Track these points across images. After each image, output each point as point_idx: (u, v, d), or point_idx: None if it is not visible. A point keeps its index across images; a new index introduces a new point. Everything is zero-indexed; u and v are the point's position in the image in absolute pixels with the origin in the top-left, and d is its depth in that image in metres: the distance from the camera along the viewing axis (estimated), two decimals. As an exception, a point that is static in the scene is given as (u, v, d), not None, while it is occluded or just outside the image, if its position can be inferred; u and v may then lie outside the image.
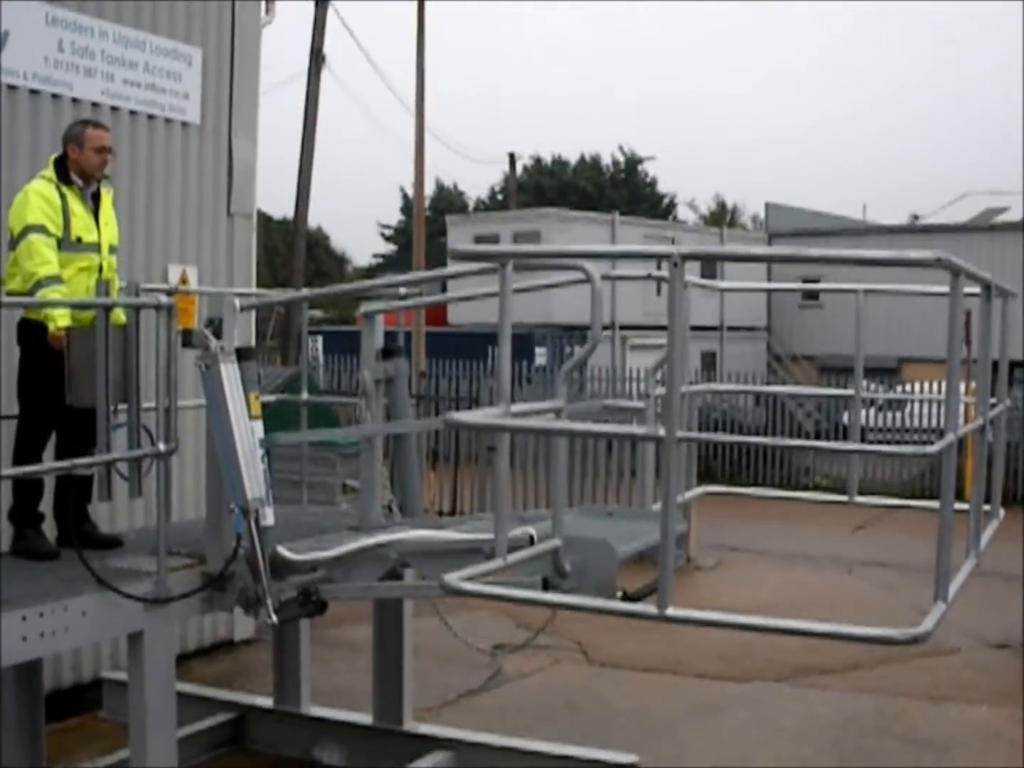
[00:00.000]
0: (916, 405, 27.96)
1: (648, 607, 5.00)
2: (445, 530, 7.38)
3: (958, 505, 5.30)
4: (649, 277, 8.69)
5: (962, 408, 7.30)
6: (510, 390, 5.40)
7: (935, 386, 27.53)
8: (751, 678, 11.41)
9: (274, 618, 7.15)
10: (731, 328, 42.28)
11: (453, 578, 5.11)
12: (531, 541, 6.19)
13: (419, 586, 7.12)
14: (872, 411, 29.24)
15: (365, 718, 9.44)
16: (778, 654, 11.78)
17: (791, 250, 4.41)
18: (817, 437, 28.30)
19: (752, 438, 8.52)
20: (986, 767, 9.44)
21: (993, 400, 6.84)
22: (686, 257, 4.89)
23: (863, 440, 28.10)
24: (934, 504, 5.80)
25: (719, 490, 8.50)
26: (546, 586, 6.18)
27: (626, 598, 6.20)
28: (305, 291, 10.39)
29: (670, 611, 4.91)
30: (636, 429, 5.36)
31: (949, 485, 5.16)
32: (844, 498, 7.77)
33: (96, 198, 7.96)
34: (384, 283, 9.05)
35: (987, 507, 6.85)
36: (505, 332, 5.43)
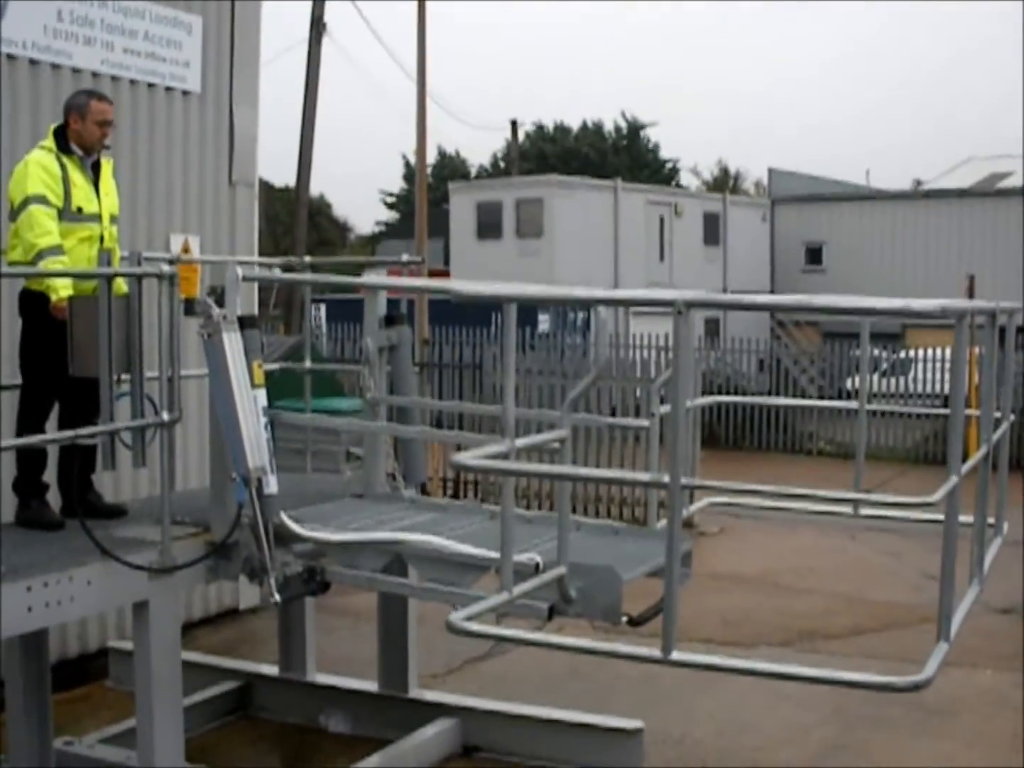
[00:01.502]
0: (921, 369, 27.92)
1: (653, 651, 5.00)
2: (451, 519, 7.38)
3: (963, 518, 5.29)
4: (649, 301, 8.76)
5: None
6: (514, 424, 5.38)
7: (939, 351, 27.51)
8: (756, 644, 11.42)
9: (277, 596, 7.17)
10: (734, 293, 42.24)
11: (458, 618, 5.11)
12: (536, 569, 6.23)
13: (427, 589, 7.11)
14: (876, 376, 29.21)
15: (370, 685, 9.46)
16: (783, 619, 11.80)
17: (797, 299, 4.38)
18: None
19: (755, 399, 8.47)
20: (991, 731, 9.47)
21: (997, 413, 6.80)
22: (691, 305, 4.86)
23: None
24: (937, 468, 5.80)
25: (725, 501, 8.48)
26: (551, 613, 6.24)
27: (631, 622, 6.24)
28: (308, 273, 10.35)
29: (675, 655, 4.93)
30: (640, 475, 5.35)
31: (952, 530, 5.14)
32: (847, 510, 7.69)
33: (96, 168, 7.93)
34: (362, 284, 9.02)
35: (991, 519, 6.83)
36: (509, 367, 5.41)
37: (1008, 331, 6.90)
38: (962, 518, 5.26)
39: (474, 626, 5.16)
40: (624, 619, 6.23)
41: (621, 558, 6.42)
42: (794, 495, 5.03)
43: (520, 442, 5.46)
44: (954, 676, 10.57)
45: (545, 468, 6.13)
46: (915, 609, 11.97)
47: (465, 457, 5.07)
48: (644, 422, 5.29)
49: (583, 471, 5.95)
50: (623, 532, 7.48)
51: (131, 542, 7.27)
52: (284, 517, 7.19)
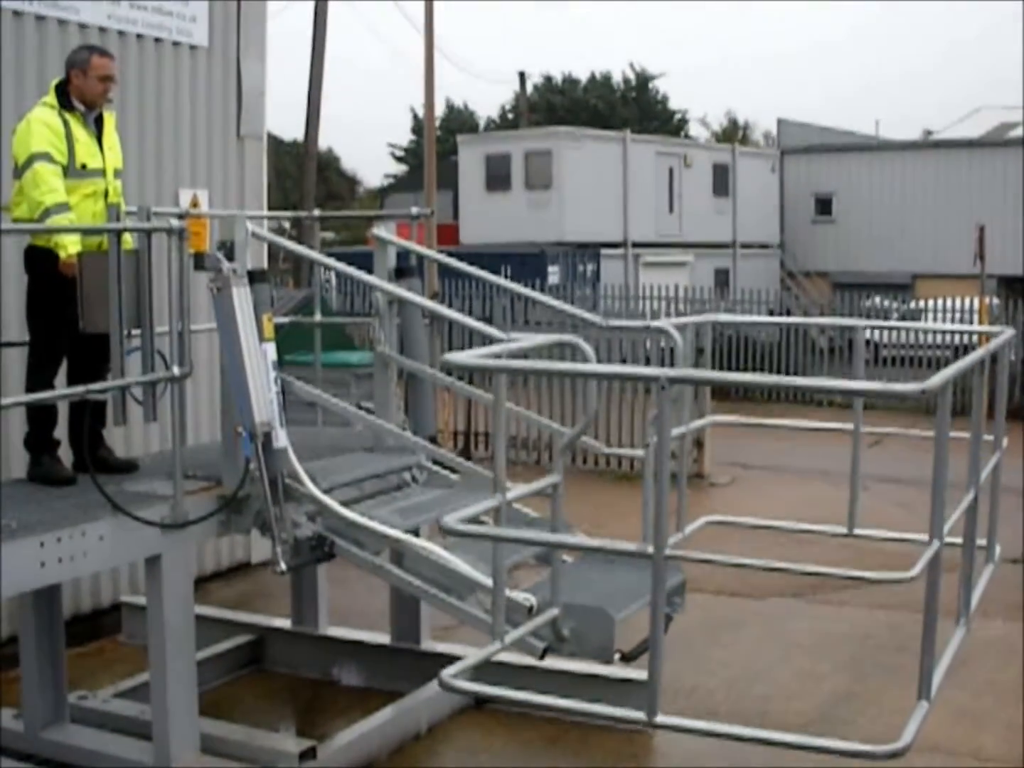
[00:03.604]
0: (931, 320, 27.89)
1: (638, 712, 5.03)
2: (458, 499, 7.38)
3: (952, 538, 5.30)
4: (647, 328, 8.89)
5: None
6: (505, 477, 5.40)
7: (948, 301, 27.50)
8: (767, 595, 11.44)
9: (283, 566, 7.20)
10: (744, 245, 42.17)
11: (448, 674, 5.15)
12: (530, 611, 6.30)
13: (428, 593, 7.13)
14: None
15: (383, 638, 9.50)
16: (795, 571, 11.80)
17: (777, 379, 4.38)
18: (831, 353, 28.27)
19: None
20: (1000, 681, 9.49)
21: (988, 437, 6.77)
22: (673, 380, 4.84)
23: (876, 357, 28.13)
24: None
25: (723, 520, 8.52)
26: (545, 653, 6.34)
27: (624, 658, 6.29)
28: (317, 226, 10.35)
29: (659, 718, 4.97)
30: (625, 545, 5.37)
31: (934, 596, 5.16)
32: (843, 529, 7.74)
33: (99, 122, 7.90)
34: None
35: (982, 542, 6.82)
36: (500, 429, 5.41)
37: (1001, 359, 6.88)
38: (952, 539, 5.30)
39: (462, 684, 5.22)
40: (617, 656, 6.30)
41: (614, 593, 6.46)
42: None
43: (512, 494, 5.51)
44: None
45: (536, 536, 6.22)
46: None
47: (451, 520, 5.12)
48: (639, 452, 5.27)
49: (570, 539, 5.96)
50: (619, 562, 7.55)
51: (143, 497, 7.29)
52: (302, 474, 7.20)
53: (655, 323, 8.24)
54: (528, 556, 7.33)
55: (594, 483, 16.74)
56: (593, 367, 5.77)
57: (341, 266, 8.20)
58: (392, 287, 8.32)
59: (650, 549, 4.83)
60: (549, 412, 17.85)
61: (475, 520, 5.29)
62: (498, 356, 5.48)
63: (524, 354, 5.79)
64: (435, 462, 8.57)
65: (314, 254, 8.00)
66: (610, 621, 6.18)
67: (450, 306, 23.84)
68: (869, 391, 4.81)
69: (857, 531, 7.63)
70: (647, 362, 18.34)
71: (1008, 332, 6.96)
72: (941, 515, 5.18)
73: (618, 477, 17.49)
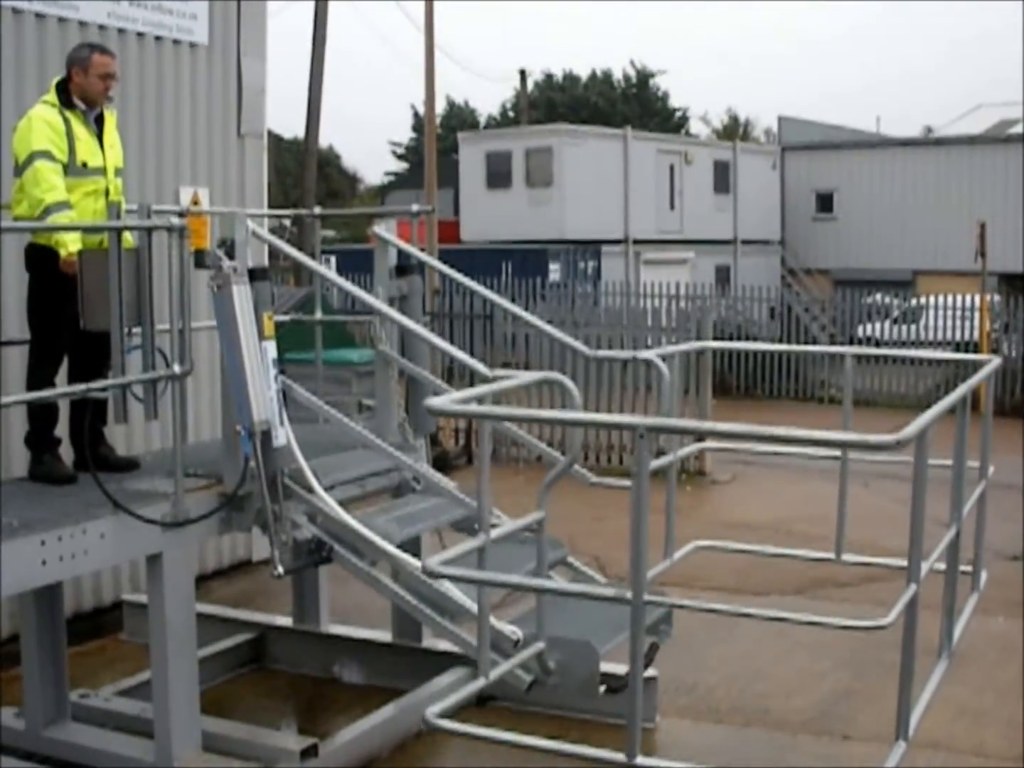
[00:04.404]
0: (931, 317, 27.89)
1: (617, 754, 4.99)
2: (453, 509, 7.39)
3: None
4: (633, 359, 8.90)
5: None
6: (489, 517, 5.46)
7: (950, 298, 27.50)
8: (768, 591, 11.43)
9: (280, 570, 7.22)
10: (745, 242, 42.16)
11: (432, 714, 5.17)
12: (516, 644, 6.43)
13: (428, 613, 7.14)
14: (887, 323, 29.16)
15: (384, 635, 9.50)
16: (795, 567, 11.79)
17: (756, 428, 4.42)
18: (832, 351, 28.23)
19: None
20: (1001, 678, 9.49)
21: (974, 464, 6.78)
22: (651, 429, 4.84)
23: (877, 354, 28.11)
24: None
25: (711, 545, 8.55)
26: (531, 687, 6.41)
27: (609, 691, 6.31)
28: (318, 224, 10.36)
29: (639, 760, 4.93)
30: (605, 590, 5.41)
31: (912, 638, 5.24)
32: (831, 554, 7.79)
33: (99, 121, 7.89)
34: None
35: (966, 568, 6.84)
36: (484, 473, 5.45)
37: (986, 389, 6.89)
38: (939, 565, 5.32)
39: (447, 724, 5.21)
40: (603, 688, 6.33)
41: (600, 626, 6.47)
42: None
43: (496, 533, 5.54)
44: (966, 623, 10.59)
45: (514, 579, 6.27)
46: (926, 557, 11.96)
47: (433, 562, 5.16)
48: (626, 482, 5.30)
49: (550, 584, 5.99)
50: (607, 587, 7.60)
51: (144, 495, 7.29)
52: (308, 473, 7.20)
53: (641, 354, 8.24)
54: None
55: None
56: (574, 415, 5.79)
57: (332, 276, 8.16)
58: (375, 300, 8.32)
59: (629, 594, 4.87)
60: (551, 403, 17.83)
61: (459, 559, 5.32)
62: (481, 400, 5.54)
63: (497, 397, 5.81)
64: (436, 465, 8.59)
65: (307, 260, 7.97)
66: (595, 654, 6.23)
67: (451, 303, 23.87)
68: (843, 442, 4.83)
69: (845, 557, 7.74)
70: (647, 367, 18.29)
71: (995, 361, 6.99)
72: (919, 557, 5.21)
73: (619, 475, 17.47)
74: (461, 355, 7.55)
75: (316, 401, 7.85)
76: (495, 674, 5.63)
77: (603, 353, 11.62)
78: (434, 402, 5.24)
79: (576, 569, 8.23)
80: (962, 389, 5.92)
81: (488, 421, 5.61)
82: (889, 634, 6.49)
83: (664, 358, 7.82)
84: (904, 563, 5.84)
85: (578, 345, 9.11)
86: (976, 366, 6.70)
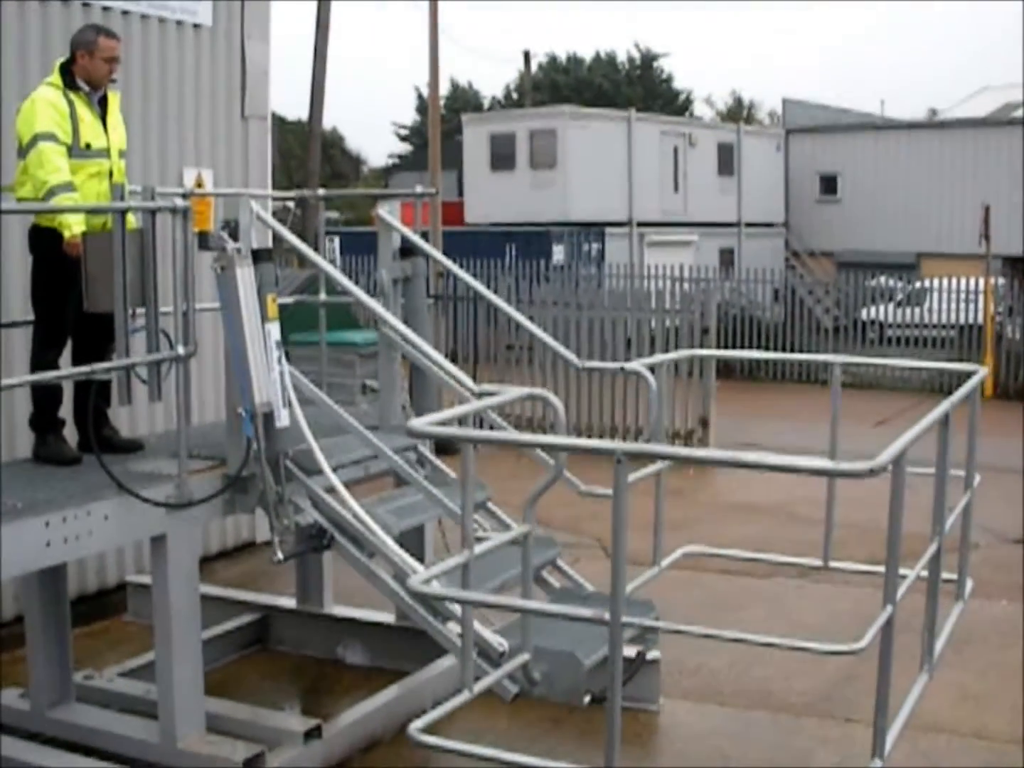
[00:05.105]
0: (935, 300, 27.86)
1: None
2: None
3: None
4: (622, 370, 9.00)
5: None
6: (472, 536, 5.48)
7: (954, 281, 27.49)
8: (771, 574, 11.44)
9: (279, 555, 7.23)
10: (749, 224, 42.09)
11: (415, 729, 5.20)
12: (502, 656, 6.48)
13: (422, 615, 7.14)
14: (891, 306, 29.14)
15: (388, 617, 9.50)
16: (799, 549, 11.77)
17: (732, 454, 4.38)
18: (835, 333, 28.24)
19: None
20: (1003, 662, 9.49)
21: (958, 472, 6.78)
22: (629, 454, 4.85)
23: (881, 336, 28.11)
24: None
25: (700, 551, 8.61)
26: (517, 696, 6.42)
27: (594, 701, 6.36)
28: (322, 206, 10.33)
29: None
30: (583, 611, 5.43)
31: (888, 661, 5.25)
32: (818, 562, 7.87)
33: (103, 103, 7.89)
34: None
35: (949, 576, 6.91)
36: (468, 497, 5.47)
37: (972, 399, 6.88)
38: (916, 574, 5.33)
39: (430, 739, 5.24)
40: (587, 699, 6.37)
41: (585, 637, 6.49)
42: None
43: (480, 548, 5.56)
44: (969, 606, 10.59)
45: (499, 600, 6.32)
46: (928, 540, 11.96)
47: (416, 581, 5.21)
48: (609, 491, 5.32)
49: (541, 605, 6.01)
50: (593, 598, 7.60)
51: (148, 476, 7.30)
52: (319, 455, 7.19)
53: (629, 365, 8.26)
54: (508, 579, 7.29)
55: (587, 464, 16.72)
56: (552, 439, 5.81)
57: (327, 266, 8.10)
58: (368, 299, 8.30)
59: (607, 615, 4.90)
60: (553, 386, 17.83)
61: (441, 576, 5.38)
62: (464, 420, 5.56)
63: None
64: (438, 448, 8.59)
65: (298, 242, 7.93)
66: (580, 665, 6.28)
67: (455, 285, 23.86)
68: (818, 469, 4.83)
69: (832, 564, 7.89)
70: (652, 343, 18.30)
71: (981, 372, 6.99)
72: (895, 578, 5.24)
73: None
74: (448, 366, 7.54)
75: (304, 380, 7.81)
76: (480, 687, 5.68)
77: (591, 364, 11.64)
78: (415, 423, 5.33)
79: (565, 573, 8.27)
80: (944, 406, 5.92)
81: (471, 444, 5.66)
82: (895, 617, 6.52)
83: (652, 368, 7.84)
84: (902, 570, 5.88)
85: (568, 355, 9.09)
86: (962, 378, 6.71)
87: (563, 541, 10.63)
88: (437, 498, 7.43)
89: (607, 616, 4.91)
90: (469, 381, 7.22)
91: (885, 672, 5.24)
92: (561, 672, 6.27)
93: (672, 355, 8.70)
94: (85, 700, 8.11)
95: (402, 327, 7.73)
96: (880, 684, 5.25)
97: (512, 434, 5.54)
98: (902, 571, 5.42)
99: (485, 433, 5.66)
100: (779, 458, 4.78)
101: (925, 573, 6.18)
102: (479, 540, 6.12)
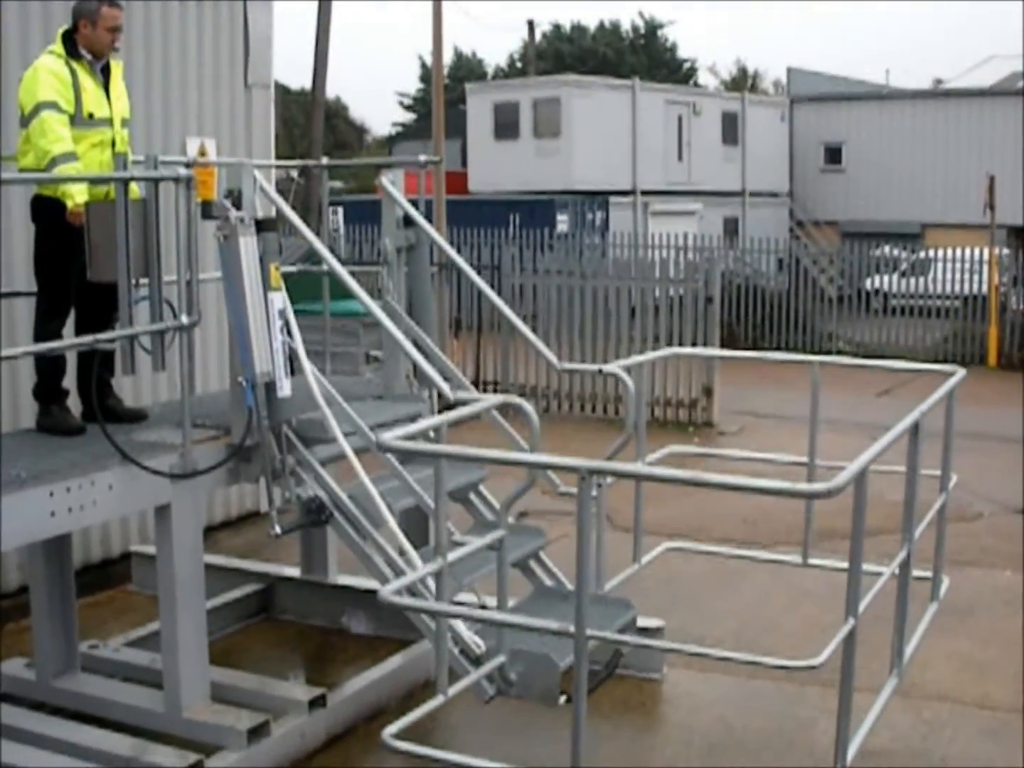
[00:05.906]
0: (939, 270, 27.82)
1: None
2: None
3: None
4: (600, 372, 9.03)
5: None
6: (447, 545, 5.62)
7: (958, 251, 27.45)
8: (774, 543, 11.45)
9: (277, 530, 7.24)
10: (753, 194, 42.04)
11: (389, 734, 5.30)
12: (477, 661, 6.55)
13: (414, 606, 7.16)
14: (896, 276, 29.10)
15: (392, 586, 9.52)
16: (801, 519, 11.83)
17: (706, 476, 4.42)
18: (839, 302, 28.21)
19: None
20: (1007, 631, 9.51)
21: (933, 471, 6.80)
22: (593, 472, 4.88)
23: (885, 306, 28.08)
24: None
25: (680, 547, 8.67)
26: (494, 697, 6.50)
27: (569, 700, 6.37)
28: (326, 175, 10.33)
29: None
30: (551, 624, 5.46)
31: (850, 674, 5.42)
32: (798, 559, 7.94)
33: (106, 72, 7.86)
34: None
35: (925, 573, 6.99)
36: (441, 508, 5.57)
37: (949, 402, 6.89)
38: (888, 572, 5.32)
39: (403, 745, 5.34)
40: (563, 699, 6.41)
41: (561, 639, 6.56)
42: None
43: (454, 554, 5.58)
44: (972, 576, 10.63)
45: (469, 612, 6.37)
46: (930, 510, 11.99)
47: (386, 592, 5.34)
48: (592, 492, 5.37)
49: (507, 617, 6.05)
50: (571, 598, 7.59)
51: (152, 446, 7.29)
52: (334, 425, 7.16)
53: (607, 367, 8.25)
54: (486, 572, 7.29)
55: (577, 428, 16.76)
56: (517, 456, 5.91)
57: (315, 240, 8.05)
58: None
59: (572, 628, 4.93)
60: (557, 354, 17.81)
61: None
62: (436, 431, 5.62)
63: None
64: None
65: (293, 215, 7.89)
66: (555, 668, 6.29)
67: (459, 253, 23.84)
68: (778, 490, 4.83)
69: (811, 561, 8.10)
70: (656, 311, 18.31)
71: (960, 374, 7.00)
72: (857, 592, 5.28)
73: (607, 423, 17.49)
74: (430, 372, 7.53)
75: (297, 346, 7.79)
76: (455, 690, 5.81)
77: (570, 366, 11.73)
78: (384, 438, 5.43)
79: (548, 570, 8.27)
80: (914, 415, 5.94)
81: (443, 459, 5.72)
82: (893, 584, 6.53)
83: (629, 370, 7.83)
84: (875, 568, 5.92)
85: (549, 356, 9.08)
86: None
87: (567, 509, 10.66)
88: (411, 486, 7.39)
89: (572, 628, 5.03)
90: (447, 387, 7.46)
91: (847, 686, 5.36)
92: (537, 674, 6.32)
93: (650, 355, 8.71)
94: (90, 670, 8.12)
95: (388, 323, 7.68)
96: (842, 698, 5.32)
97: (478, 451, 5.55)
98: (874, 568, 5.45)
99: (452, 448, 5.68)
100: (740, 480, 4.83)
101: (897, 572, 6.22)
102: (457, 545, 6.23)
